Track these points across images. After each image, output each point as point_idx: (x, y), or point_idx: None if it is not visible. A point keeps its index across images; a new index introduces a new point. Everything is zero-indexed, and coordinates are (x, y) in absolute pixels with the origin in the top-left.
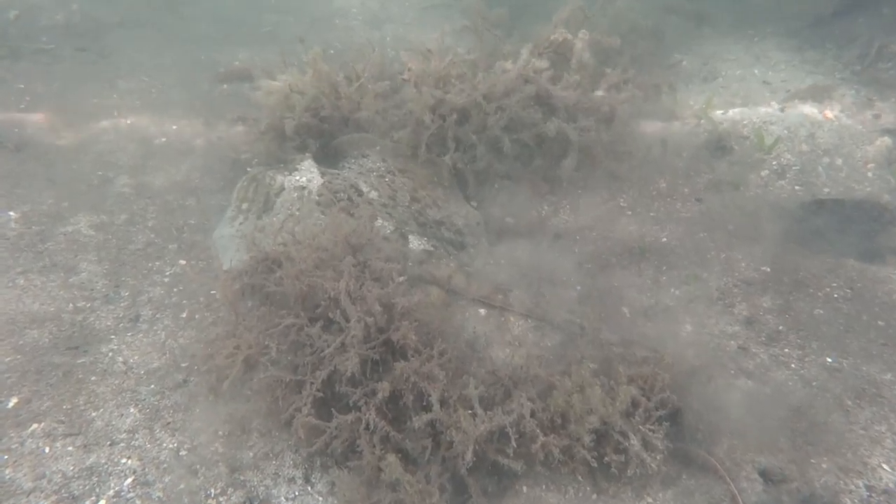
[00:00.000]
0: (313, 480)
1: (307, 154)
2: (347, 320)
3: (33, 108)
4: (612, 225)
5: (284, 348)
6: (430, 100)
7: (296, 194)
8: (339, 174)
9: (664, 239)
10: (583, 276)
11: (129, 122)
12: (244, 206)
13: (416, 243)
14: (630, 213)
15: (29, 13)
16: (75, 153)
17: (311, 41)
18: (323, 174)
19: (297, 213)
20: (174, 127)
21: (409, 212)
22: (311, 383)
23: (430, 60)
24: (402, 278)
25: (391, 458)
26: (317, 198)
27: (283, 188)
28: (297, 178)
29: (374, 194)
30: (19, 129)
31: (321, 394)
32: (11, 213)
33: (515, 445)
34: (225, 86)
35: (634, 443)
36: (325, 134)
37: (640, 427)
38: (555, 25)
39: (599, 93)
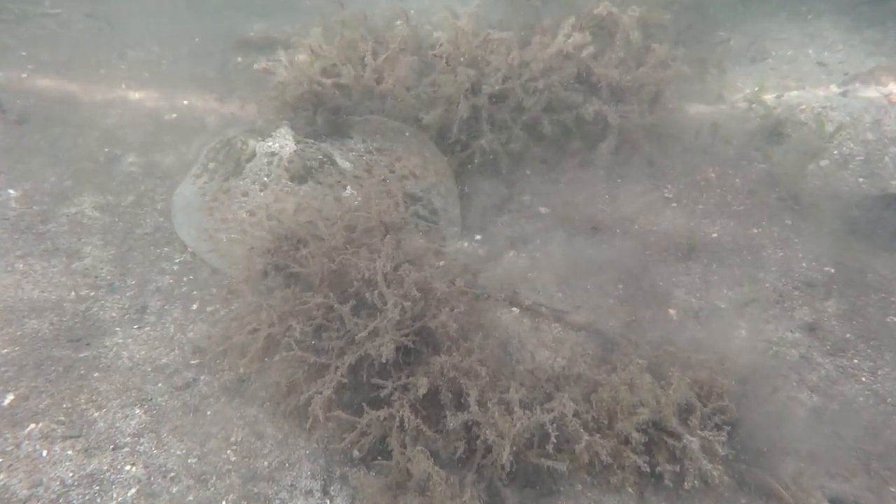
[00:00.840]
0: (332, 493)
1: (284, 121)
2: (384, 303)
3: (37, 77)
4: (655, 218)
5: (309, 330)
6: (465, 83)
7: (265, 160)
8: (314, 144)
9: (714, 234)
10: (624, 273)
11: (137, 95)
12: (211, 165)
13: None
14: (675, 204)
15: None
16: (81, 128)
17: (329, 12)
18: (298, 142)
19: (266, 179)
20: (185, 102)
21: (382, 185)
22: (337, 368)
23: (462, 37)
24: (441, 262)
25: (418, 451)
26: (287, 164)
27: (254, 154)
28: (270, 143)
29: (347, 165)
30: (22, 99)
31: (345, 380)
32: (11, 192)
33: (556, 442)
34: (240, 59)
35: (693, 441)
36: (340, 109)
37: (698, 432)
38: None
39: (644, 70)
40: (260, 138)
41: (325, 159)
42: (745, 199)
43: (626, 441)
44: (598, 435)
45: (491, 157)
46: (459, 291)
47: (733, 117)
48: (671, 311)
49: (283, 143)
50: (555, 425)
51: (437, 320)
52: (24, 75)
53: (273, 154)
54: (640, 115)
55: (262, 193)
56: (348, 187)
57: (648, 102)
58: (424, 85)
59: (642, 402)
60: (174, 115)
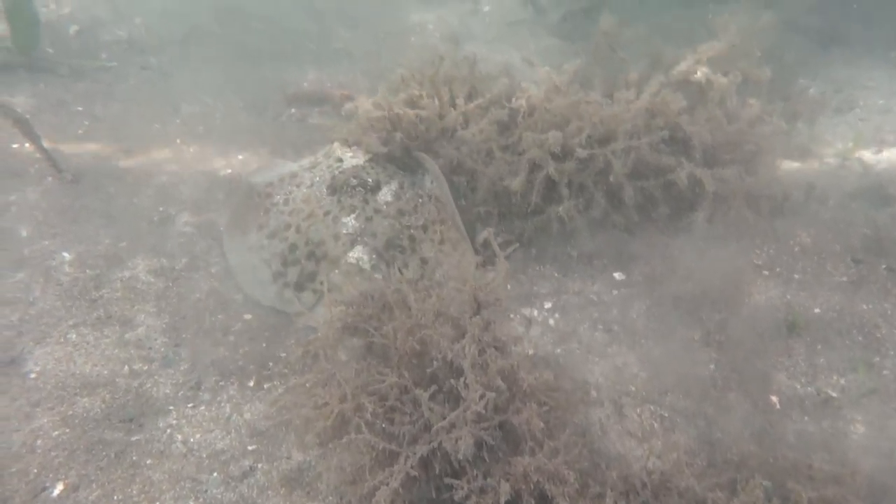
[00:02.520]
0: None
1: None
2: (468, 392)
3: (92, 133)
4: (746, 288)
5: (380, 412)
6: (555, 145)
7: (330, 163)
8: (381, 168)
9: (817, 310)
10: (715, 351)
11: (192, 150)
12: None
13: (355, 255)
14: (767, 273)
15: (91, 28)
16: (136, 185)
17: (383, 59)
18: (368, 159)
19: (317, 179)
20: (240, 157)
21: (395, 231)
22: (407, 458)
23: (553, 93)
24: (531, 351)
25: None
26: (337, 174)
27: (329, 154)
28: (346, 151)
29: (387, 198)
30: (77, 157)
31: (415, 473)
32: (66, 255)
33: None
34: (293, 110)
35: None
36: (418, 137)
37: None
38: (697, 62)
39: (739, 126)
40: (347, 145)
41: (370, 183)
42: (849, 270)
43: None
44: None
45: (571, 221)
46: (547, 386)
47: (826, 175)
48: (773, 399)
49: (355, 155)
50: None
51: (522, 416)
52: (80, 132)
53: (339, 161)
54: (739, 177)
55: (304, 190)
56: (351, 217)
57: (747, 163)
58: (500, 141)
59: None
60: (229, 171)
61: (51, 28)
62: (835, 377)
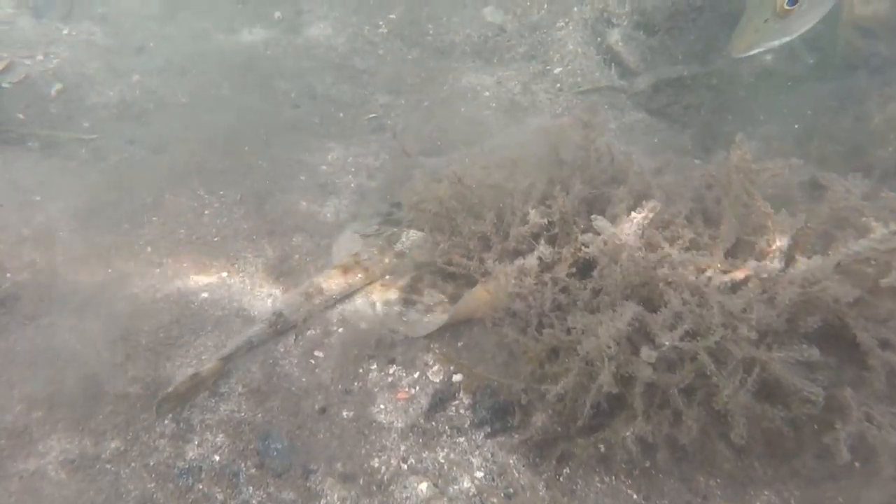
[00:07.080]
0: None
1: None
2: None
3: (41, 236)
4: None
5: None
6: (616, 339)
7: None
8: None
9: None
10: None
11: (163, 263)
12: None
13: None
14: None
15: (77, 87)
16: (80, 316)
17: (422, 134)
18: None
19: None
20: (224, 274)
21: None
22: None
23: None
24: None
25: None
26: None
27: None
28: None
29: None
30: (13, 272)
31: None
32: None
33: None
34: (304, 203)
35: None
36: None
37: None
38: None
39: None
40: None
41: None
42: None
43: None
44: None
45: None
46: None
47: None
48: None
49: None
50: None
51: None
52: (26, 232)
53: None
54: None
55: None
56: None
57: None
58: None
59: None
60: (205, 295)
61: (30, 86)
62: None
